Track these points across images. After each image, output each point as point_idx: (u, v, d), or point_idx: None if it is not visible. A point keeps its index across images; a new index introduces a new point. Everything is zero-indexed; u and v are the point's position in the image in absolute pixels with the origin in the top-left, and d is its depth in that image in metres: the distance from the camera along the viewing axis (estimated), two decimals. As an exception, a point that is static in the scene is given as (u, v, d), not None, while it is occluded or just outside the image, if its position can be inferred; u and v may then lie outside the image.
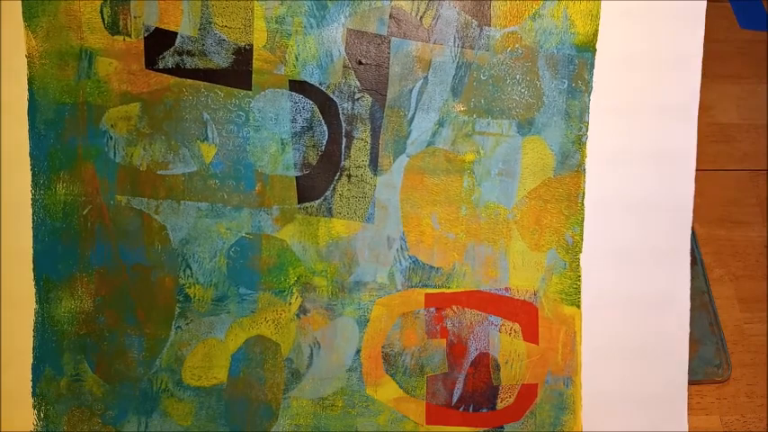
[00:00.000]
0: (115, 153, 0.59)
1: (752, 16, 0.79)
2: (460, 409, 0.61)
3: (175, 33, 0.58)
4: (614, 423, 0.61)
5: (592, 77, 0.60)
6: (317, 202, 0.60)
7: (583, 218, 0.61)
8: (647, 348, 0.61)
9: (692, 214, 0.60)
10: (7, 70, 0.58)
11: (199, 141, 0.59)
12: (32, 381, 0.59)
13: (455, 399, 0.61)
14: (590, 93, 0.60)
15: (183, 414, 0.60)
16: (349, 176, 0.60)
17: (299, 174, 0.60)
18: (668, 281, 0.61)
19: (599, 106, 0.60)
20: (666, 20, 0.59)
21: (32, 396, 0.59)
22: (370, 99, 0.59)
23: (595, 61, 0.59)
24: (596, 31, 0.59)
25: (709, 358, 0.68)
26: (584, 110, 0.60)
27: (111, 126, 0.58)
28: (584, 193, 0.61)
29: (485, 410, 0.61)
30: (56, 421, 0.59)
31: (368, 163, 0.60)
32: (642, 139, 0.60)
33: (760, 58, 0.80)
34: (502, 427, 0.61)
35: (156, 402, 0.60)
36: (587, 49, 0.59)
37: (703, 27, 0.58)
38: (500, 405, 0.61)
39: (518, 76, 0.60)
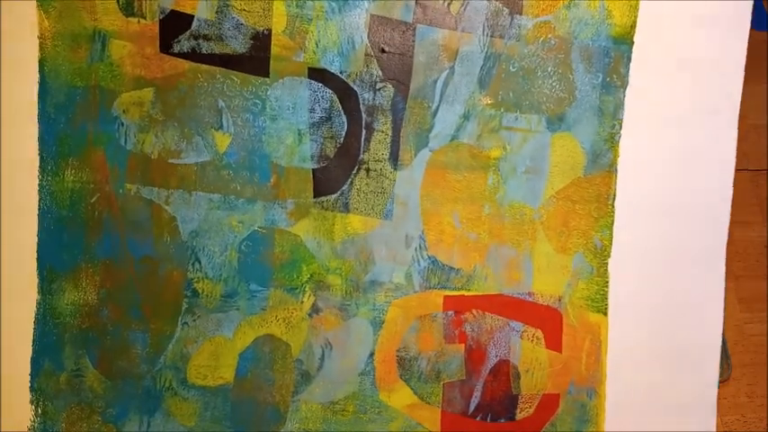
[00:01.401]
0: (126, 140, 0.57)
1: (752, 16, 0.79)
2: (477, 419, 0.59)
3: (192, 16, 0.56)
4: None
5: (628, 72, 0.57)
6: (334, 196, 0.58)
7: (613, 220, 0.58)
8: (676, 355, 0.59)
9: (729, 218, 0.58)
10: (18, 52, 0.56)
11: (213, 130, 0.57)
12: (31, 375, 0.57)
13: (472, 407, 0.59)
14: (625, 88, 0.57)
15: (187, 414, 0.58)
16: (368, 170, 0.58)
17: (316, 166, 0.58)
18: (701, 286, 0.59)
19: (634, 103, 0.57)
20: (710, 13, 0.57)
21: (30, 391, 0.57)
22: (392, 89, 0.57)
23: (632, 55, 0.57)
24: (635, 22, 0.57)
25: (709, 358, 0.64)
26: (619, 106, 0.57)
27: (123, 111, 0.57)
28: (614, 195, 0.58)
29: (503, 420, 0.59)
30: (54, 418, 0.57)
31: (388, 157, 0.58)
32: (678, 139, 0.58)
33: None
34: (521, 439, 0.59)
35: (159, 401, 0.58)
36: (624, 41, 0.57)
37: (749, 20, 0.56)
38: (519, 415, 0.59)
39: (550, 69, 0.57)
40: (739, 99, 0.57)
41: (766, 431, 0.63)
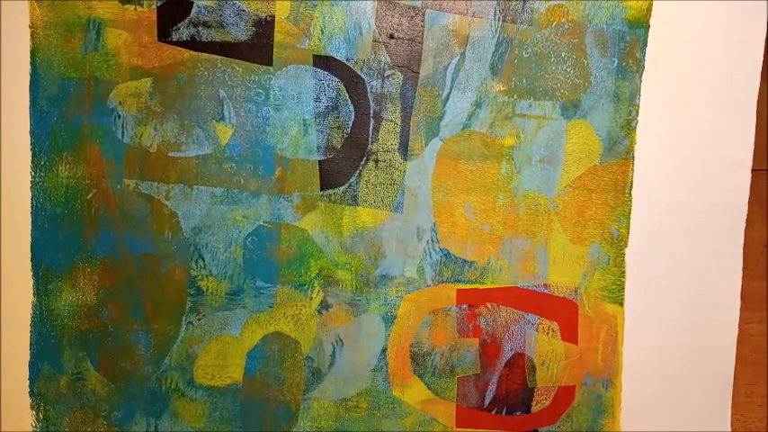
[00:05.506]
0: (123, 133, 0.54)
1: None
2: (493, 412, 0.58)
3: (191, 3, 0.53)
4: (655, 424, 0.58)
5: (644, 56, 0.56)
6: (342, 189, 0.56)
7: (630, 209, 0.57)
8: (693, 345, 0.58)
9: (746, 210, 0.57)
10: (8, 41, 0.53)
11: (214, 121, 0.55)
12: (30, 379, 0.55)
13: (487, 401, 0.58)
14: (641, 73, 0.56)
15: (196, 415, 0.56)
16: (376, 161, 0.56)
17: (323, 158, 0.56)
18: (719, 276, 0.58)
19: (651, 88, 0.56)
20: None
21: (30, 396, 0.56)
22: (401, 76, 0.55)
23: (648, 39, 0.55)
24: (650, 5, 0.55)
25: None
26: (635, 92, 0.56)
27: (120, 103, 0.54)
28: (632, 183, 0.57)
29: (518, 413, 0.58)
30: (56, 422, 0.56)
31: (397, 147, 0.56)
32: (696, 126, 0.57)
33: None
34: (536, 431, 0.58)
35: (166, 403, 0.56)
36: (640, 24, 0.55)
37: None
38: (535, 408, 0.58)
39: (563, 54, 0.56)
40: (758, 82, 0.56)
41: (766, 431, 0.62)
